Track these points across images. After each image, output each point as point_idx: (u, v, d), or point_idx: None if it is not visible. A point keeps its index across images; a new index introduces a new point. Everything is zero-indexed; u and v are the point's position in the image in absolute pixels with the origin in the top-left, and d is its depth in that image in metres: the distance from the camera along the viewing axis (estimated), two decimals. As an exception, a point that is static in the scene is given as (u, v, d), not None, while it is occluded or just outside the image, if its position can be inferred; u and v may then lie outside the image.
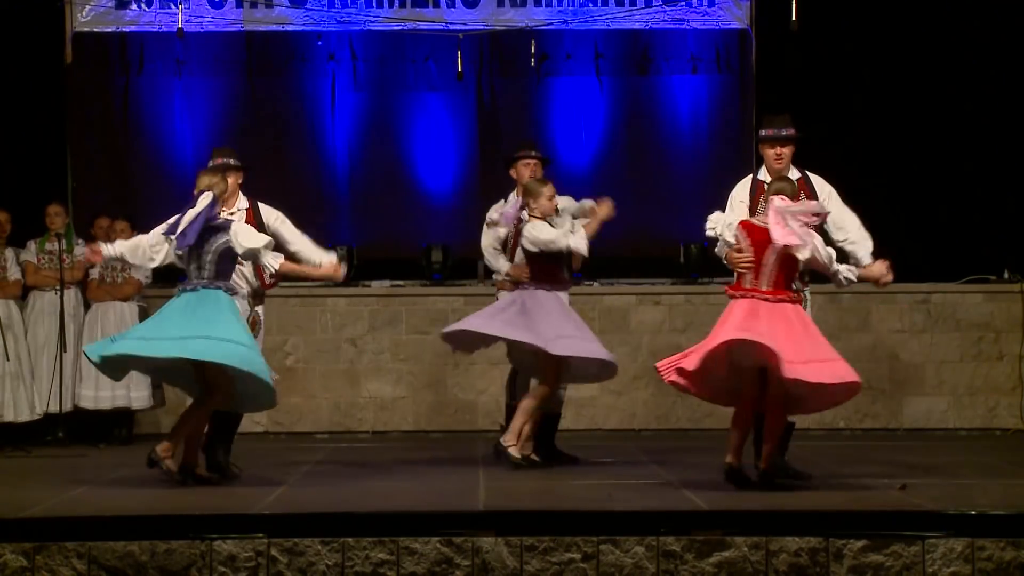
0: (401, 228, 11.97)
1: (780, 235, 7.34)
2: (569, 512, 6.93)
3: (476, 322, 8.58)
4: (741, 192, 7.94)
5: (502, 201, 9.07)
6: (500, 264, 8.93)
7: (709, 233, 7.66)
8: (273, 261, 7.91)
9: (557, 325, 8.38)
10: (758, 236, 7.45)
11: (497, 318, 8.52)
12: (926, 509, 6.85)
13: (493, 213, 8.98)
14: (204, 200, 7.72)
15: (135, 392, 10.29)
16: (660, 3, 12.08)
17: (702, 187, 12.05)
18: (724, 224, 7.59)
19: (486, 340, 8.66)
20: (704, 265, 11.57)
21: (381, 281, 11.51)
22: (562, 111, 12.20)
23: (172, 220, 7.74)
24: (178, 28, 11.06)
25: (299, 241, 8.22)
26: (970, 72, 11.76)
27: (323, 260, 8.14)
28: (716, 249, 7.73)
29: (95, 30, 12.05)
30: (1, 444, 9.73)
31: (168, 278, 11.05)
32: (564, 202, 8.74)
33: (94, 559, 6.47)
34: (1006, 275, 11.21)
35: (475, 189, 12.17)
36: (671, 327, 11.23)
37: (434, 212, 12.17)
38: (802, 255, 7.36)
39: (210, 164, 8.17)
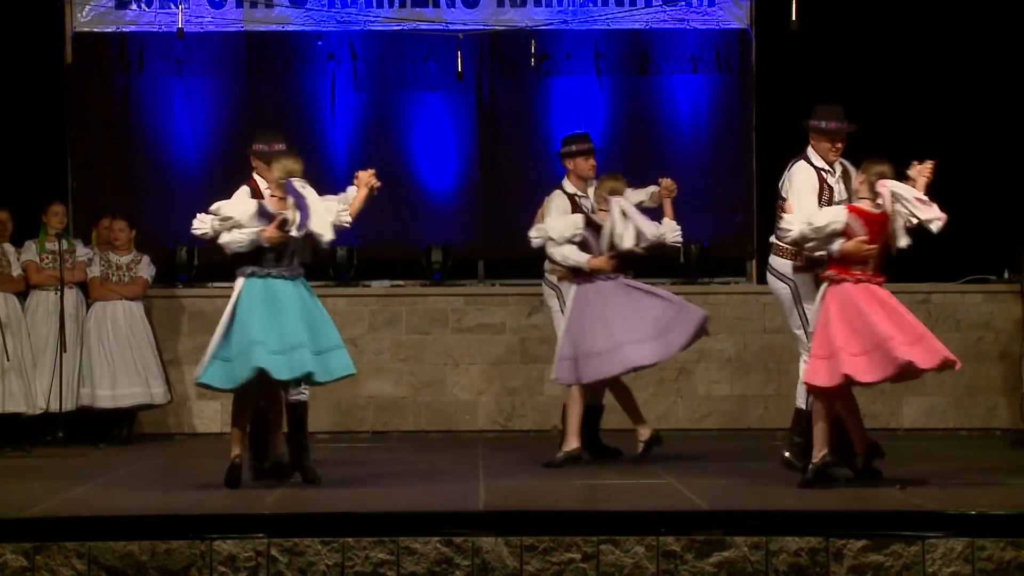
0: (401, 228, 11.95)
1: (929, 213, 7.55)
2: (569, 512, 6.93)
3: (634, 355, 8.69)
4: (808, 176, 7.88)
5: (558, 197, 9.11)
6: (581, 257, 8.89)
7: (793, 234, 7.60)
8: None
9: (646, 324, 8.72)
10: (874, 223, 7.54)
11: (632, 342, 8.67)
12: (926, 509, 6.86)
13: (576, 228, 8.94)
14: (300, 184, 7.78)
15: (155, 388, 10.35)
16: (660, 3, 12.06)
17: (702, 187, 12.04)
18: (811, 216, 7.56)
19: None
20: (704, 265, 11.58)
21: (381, 281, 11.51)
22: (562, 111, 12.19)
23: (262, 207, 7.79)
24: (178, 28, 11.04)
25: None
26: (970, 72, 11.76)
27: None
28: (809, 245, 7.64)
29: (95, 30, 12.03)
30: (1, 444, 9.74)
31: (168, 278, 11.10)
32: (635, 196, 9.16)
33: (94, 559, 6.47)
34: (1006, 275, 11.21)
35: (475, 189, 12.16)
36: (671, 327, 11.22)
37: (434, 212, 12.16)
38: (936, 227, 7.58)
39: (275, 148, 8.05)
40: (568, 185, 9.17)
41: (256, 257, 7.75)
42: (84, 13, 11.94)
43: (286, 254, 7.81)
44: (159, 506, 7.13)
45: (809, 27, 10.64)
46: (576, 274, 8.88)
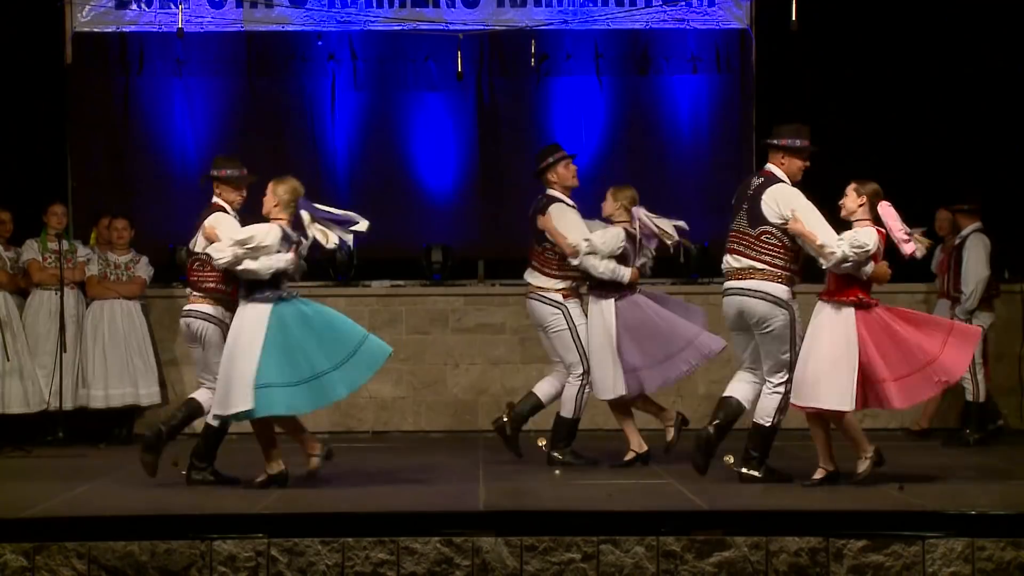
0: (401, 228, 11.96)
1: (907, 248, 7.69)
2: (569, 512, 6.93)
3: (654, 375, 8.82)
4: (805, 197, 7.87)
5: (596, 220, 8.98)
6: (625, 273, 8.78)
7: (837, 255, 7.56)
8: None
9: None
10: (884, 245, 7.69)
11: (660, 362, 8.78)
12: (926, 509, 6.86)
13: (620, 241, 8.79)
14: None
15: (143, 389, 10.38)
16: (660, 3, 12.07)
17: (702, 187, 12.05)
18: (854, 237, 7.61)
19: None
20: (704, 265, 11.56)
21: (381, 281, 11.51)
22: (562, 111, 12.20)
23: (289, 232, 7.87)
24: (178, 28, 11.04)
25: None
26: (970, 72, 11.75)
27: None
28: (846, 266, 7.61)
29: (95, 30, 12.04)
30: (1, 444, 9.74)
31: (167, 278, 11.10)
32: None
33: (94, 559, 6.47)
34: (1006, 275, 11.20)
35: (475, 189, 12.17)
36: (671, 327, 11.21)
37: (434, 212, 12.17)
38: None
39: (238, 174, 8.11)
40: (565, 198, 8.95)
41: (276, 281, 7.79)
42: (84, 13, 11.95)
43: (288, 276, 7.91)
44: (159, 506, 7.13)
45: (809, 27, 10.64)
46: (606, 288, 8.74)
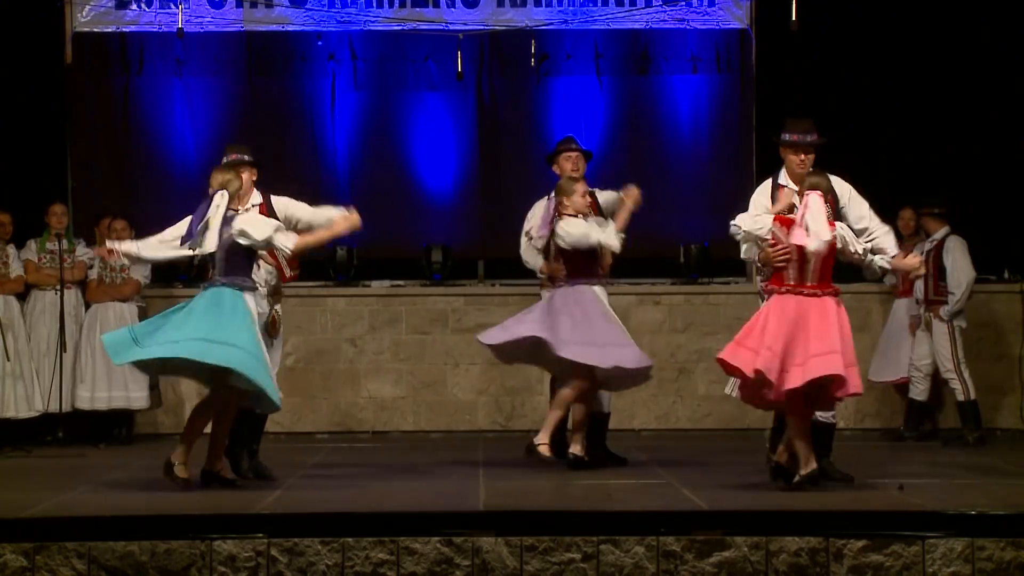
0: (401, 228, 11.96)
1: (807, 239, 7.37)
2: (569, 512, 6.93)
3: (505, 333, 8.57)
4: (761, 196, 7.91)
5: (545, 199, 9.06)
6: (537, 262, 8.99)
7: (735, 232, 7.61)
8: (287, 241, 7.82)
9: (586, 329, 8.42)
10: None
11: (524, 321, 8.57)
12: (926, 509, 6.86)
13: (528, 225, 8.99)
14: (217, 198, 7.68)
15: (134, 393, 10.33)
16: (660, 3, 12.06)
17: (702, 187, 12.04)
18: (750, 223, 7.60)
19: (520, 346, 8.59)
20: (704, 265, 11.57)
21: (381, 281, 11.52)
22: (562, 111, 12.19)
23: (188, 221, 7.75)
24: (178, 28, 11.04)
25: (312, 213, 8.20)
26: (970, 71, 11.75)
27: (333, 216, 8.08)
28: (744, 251, 7.78)
29: (95, 30, 12.03)
30: (1, 444, 9.74)
31: (167, 278, 11.11)
32: (605, 196, 9.07)
33: (94, 559, 6.47)
34: (1006, 275, 11.21)
35: (475, 189, 12.16)
36: (671, 327, 11.23)
37: (434, 212, 12.16)
38: (812, 247, 7.34)
39: (224, 160, 8.11)
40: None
41: (200, 272, 7.96)
42: (84, 13, 11.94)
43: (208, 267, 7.79)
44: (159, 506, 7.13)
45: (809, 27, 10.64)
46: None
